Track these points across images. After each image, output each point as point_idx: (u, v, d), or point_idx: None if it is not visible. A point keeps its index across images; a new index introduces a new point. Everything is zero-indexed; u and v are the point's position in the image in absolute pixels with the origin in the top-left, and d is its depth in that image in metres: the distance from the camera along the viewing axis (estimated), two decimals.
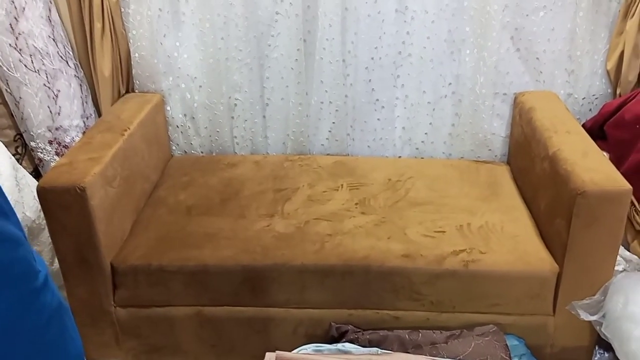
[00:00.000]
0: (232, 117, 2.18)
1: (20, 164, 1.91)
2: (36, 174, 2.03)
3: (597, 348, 1.68)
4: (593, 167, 1.54)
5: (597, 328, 1.53)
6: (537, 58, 2.02)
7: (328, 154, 2.20)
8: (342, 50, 2.03)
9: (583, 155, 1.61)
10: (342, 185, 1.94)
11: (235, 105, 2.15)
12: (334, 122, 2.15)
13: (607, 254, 1.54)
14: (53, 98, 1.94)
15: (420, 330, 1.57)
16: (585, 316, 1.53)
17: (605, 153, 1.77)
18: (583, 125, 1.94)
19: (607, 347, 1.63)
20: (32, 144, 1.97)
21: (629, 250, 1.77)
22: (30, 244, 0.71)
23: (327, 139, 2.19)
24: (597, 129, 1.94)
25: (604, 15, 1.95)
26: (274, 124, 2.18)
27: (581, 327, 1.61)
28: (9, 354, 0.66)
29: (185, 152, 2.24)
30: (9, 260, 0.65)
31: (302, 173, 2.02)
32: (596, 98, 2.06)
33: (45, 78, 1.91)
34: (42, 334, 0.70)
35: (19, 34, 1.84)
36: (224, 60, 2.07)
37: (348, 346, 1.46)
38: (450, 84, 2.08)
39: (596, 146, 1.68)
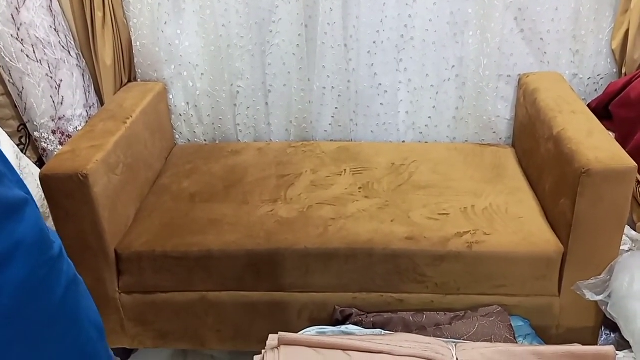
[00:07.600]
0: (235, 105, 2.17)
1: (25, 154, 1.91)
2: (40, 164, 2.03)
3: (603, 329, 1.67)
4: (598, 146, 1.52)
5: (603, 308, 1.51)
6: (542, 39, 2.00)
7: (331, 140, 2.19)
8: (344, 35, 2.02)
9: (588, 134, 1.59)
10: (345, 170, 1.93)
11: (238, 92, 2.15)
12: (336, 108, 2.14)
13: (612, 233, 1.53)
14: (55, 88, 1.95)
15: (424, 312, 1.56)
16: (590, 296, 1.51)
17: (610, 133, 1.74)
18: (588, 106, 1.92)
19: (614, 327, 1.62)
20: (36, 134, 1.98)
21: (634, 230, 1.75)
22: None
23: (330, 124, 2.18)
24: (603, 109, 1.92)
25: None
26: (276, 110, 2.17)
27: (587, 307, 1.60)
28: (30, 324, 0.66)
29: (189, 140, 2.24)
30: (23, 230, 0.65)
31: (305, 159, 2.01)
32: (601, 78, 2.04)
33: (48, 68, 1.92)
34: (61, 302, 0.71)
35: (21, 24, 1.84)
36: (225, 47, 2.06)
37: (351, 328, 1.46)
38: (453, 66, 2.06)
39: (601, 125, 1.66)
